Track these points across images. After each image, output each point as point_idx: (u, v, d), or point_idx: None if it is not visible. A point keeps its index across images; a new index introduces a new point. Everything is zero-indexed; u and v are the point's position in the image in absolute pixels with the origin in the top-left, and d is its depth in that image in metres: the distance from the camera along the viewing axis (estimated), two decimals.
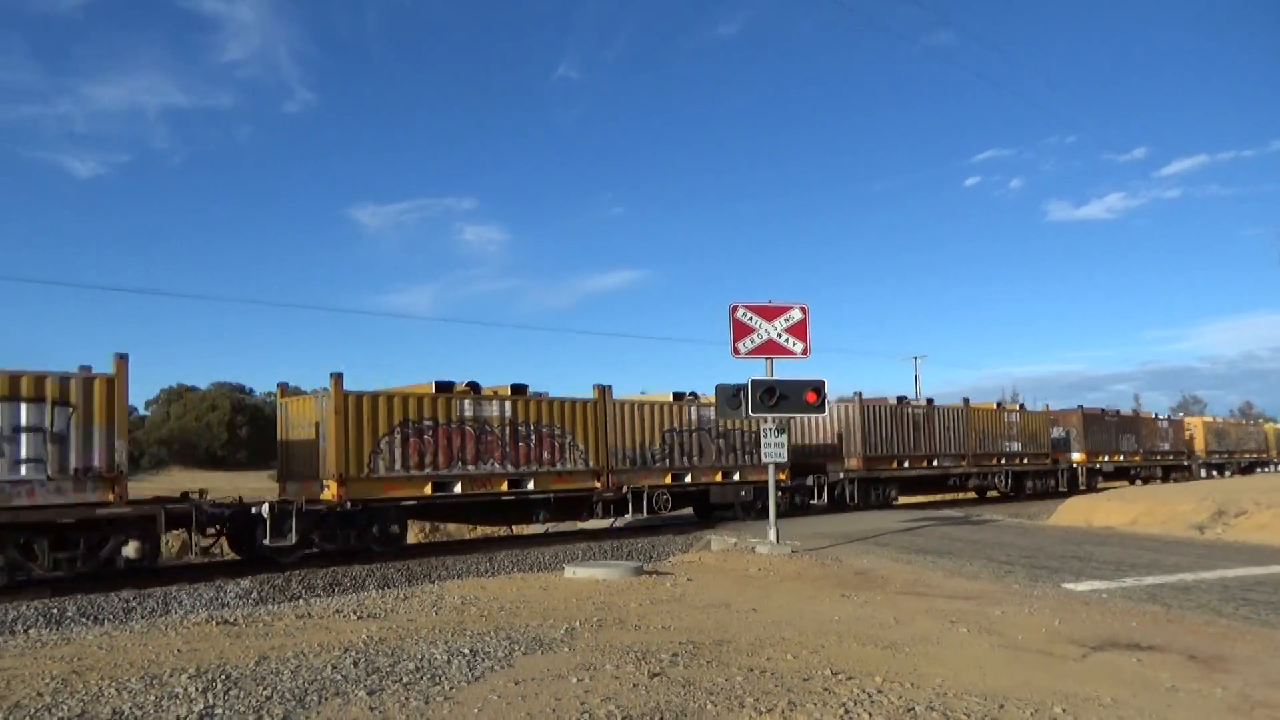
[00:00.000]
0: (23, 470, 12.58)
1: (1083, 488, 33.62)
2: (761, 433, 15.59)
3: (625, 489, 20.20)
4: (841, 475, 25.39)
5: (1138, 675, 6.71)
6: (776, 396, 14.74)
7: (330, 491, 15.96)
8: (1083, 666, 6.98)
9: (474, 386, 18.39)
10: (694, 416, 22.01)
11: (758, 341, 15.28)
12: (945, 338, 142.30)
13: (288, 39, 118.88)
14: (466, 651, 7.38)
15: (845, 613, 9.41)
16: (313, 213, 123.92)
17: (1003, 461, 31.21)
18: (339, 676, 6.56)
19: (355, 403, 16.32)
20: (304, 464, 16.91)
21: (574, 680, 6.41)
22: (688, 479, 21.61)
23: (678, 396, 22.10)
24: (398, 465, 16.74)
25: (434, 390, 17.50)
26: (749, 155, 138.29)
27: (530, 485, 18.60)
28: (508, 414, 18.34)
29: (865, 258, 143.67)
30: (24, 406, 12.66)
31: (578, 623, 8.80)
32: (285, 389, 18.27)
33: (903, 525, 19.49)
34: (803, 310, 15.47)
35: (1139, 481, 38.38)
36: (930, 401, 29.56)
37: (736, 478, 22.47)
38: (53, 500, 12.81)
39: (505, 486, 18.23)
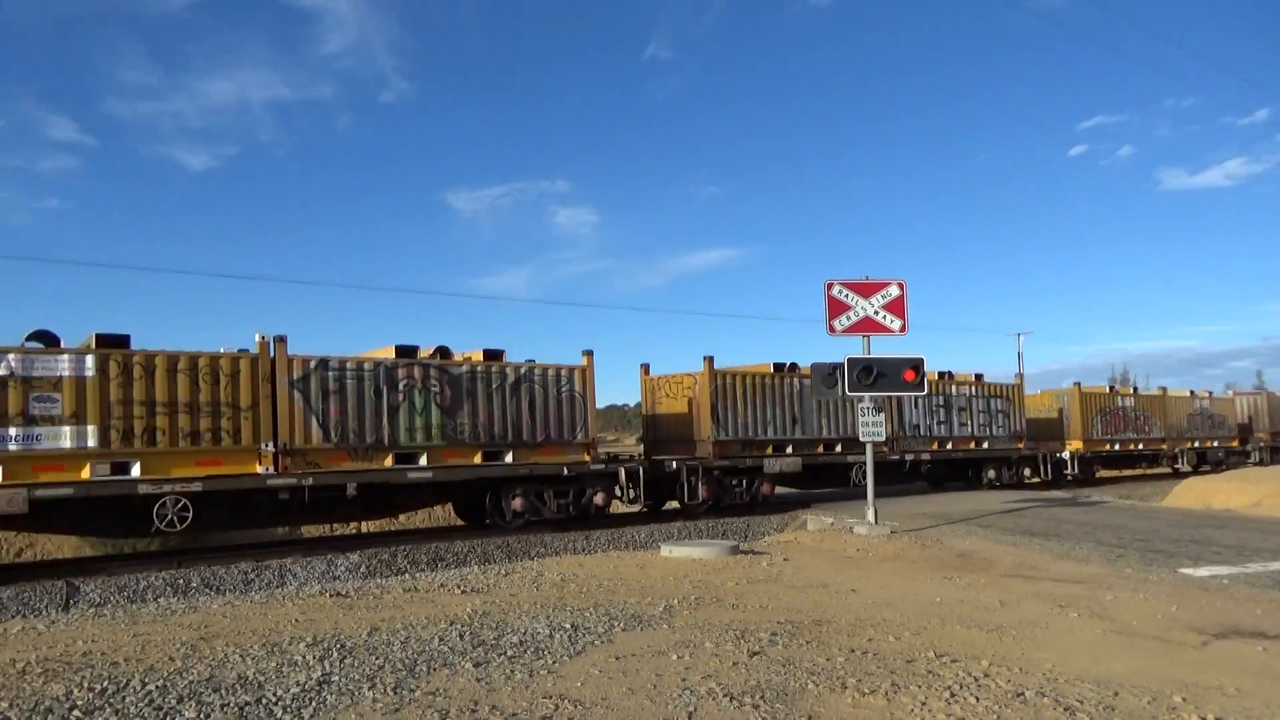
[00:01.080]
0: (996, 431, 25.32)
1: None
2: (859, 411, 15.34)
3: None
4: (1262, 444, 36.43)
5: (1264, 665, 6.38)
6: (874, 375, 14.47)
7: (1075, 446, 28.92)
8: (1203, 655, 6.68)
9: (1112, 387, 32.22)
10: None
11: (854, 319, 15.01)
12: (1049, 314, 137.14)
13: (383, 30, 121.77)
14: (568, 626, 7.54)
15: (948, 595, 9.23)
16: (410, 199, 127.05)
17: None
18: (446, 648, 6.78)
19: (1083, 395, 29.45)
20: (1045, 431, 28.86)
21: (674, 657, 6.47)
22: (1142, 446, 33.00)
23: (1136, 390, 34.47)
24: (1097, 433, 29.73)
25: (1106, 388, 31.34)
26: (845, 129, 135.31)
27: (1131, 446, 31.76)
28: (1130, 404, 31.60)
29: (965, 232, 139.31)
30: (992, 401, 25.53)
31: (675, 600, 8.87)
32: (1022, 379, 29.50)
33: (1005, 506, 18.94)
34: (900, 286, 15.12)
35: None
36: None
37: (1164, 447, 34.20)
38: (1008, 447, 25.73)
39: (1128, 446, 31.16)
